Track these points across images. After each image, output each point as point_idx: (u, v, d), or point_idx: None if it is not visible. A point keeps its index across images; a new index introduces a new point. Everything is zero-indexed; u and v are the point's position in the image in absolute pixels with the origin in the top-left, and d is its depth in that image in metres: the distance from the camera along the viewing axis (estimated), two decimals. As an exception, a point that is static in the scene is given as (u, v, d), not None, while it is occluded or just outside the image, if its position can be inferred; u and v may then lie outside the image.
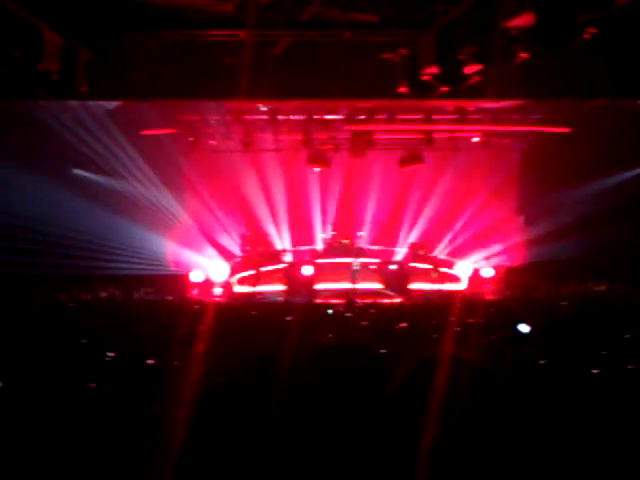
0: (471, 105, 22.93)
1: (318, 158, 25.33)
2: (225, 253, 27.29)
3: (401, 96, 15.06)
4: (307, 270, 25.63)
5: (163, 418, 4.67)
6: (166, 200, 26.02)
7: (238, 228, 27.81)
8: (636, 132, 22.57)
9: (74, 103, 20.59)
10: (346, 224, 27.78)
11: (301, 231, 28.21)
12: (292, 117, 23.79)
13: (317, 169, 26.16)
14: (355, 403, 4.48)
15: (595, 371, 5.98)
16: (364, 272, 25.41)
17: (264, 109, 23.13)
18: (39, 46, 12.39)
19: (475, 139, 26.12)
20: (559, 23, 8.88)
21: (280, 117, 23.57)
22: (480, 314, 12.95)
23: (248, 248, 27.02)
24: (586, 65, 14.82)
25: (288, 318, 13.17)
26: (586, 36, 9.38)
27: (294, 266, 26.19)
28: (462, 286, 25.73)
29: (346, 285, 24.90)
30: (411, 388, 4.77)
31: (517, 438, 3.45)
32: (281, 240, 27.96)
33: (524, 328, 9.16)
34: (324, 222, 28.18)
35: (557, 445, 3.49)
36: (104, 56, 14.49)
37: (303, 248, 27.68)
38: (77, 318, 14.42)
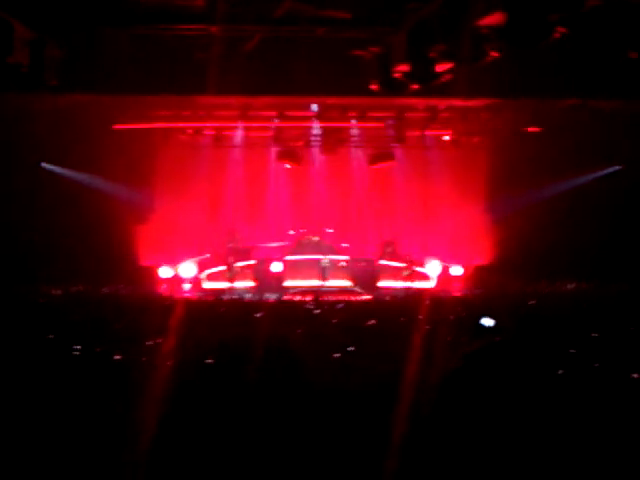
0: (442, 103, 23.00)
1: (289, 154, 25.33)
2: (195, 249, 27.17)
3: (372, 93, 15.09)
4: (276, 267, 25.59)
5: (130, 414, 4.65)
6: (136, 195, 25.87)
7: (208, 224, 27.69)
8: (605, 132, 22.72)
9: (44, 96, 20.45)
10: (316, 221, 27.73)
11: (271, 227, 28.14)
12: (263, 113, 23.76)
13: (288, 166, 26.15)
14: (324, 398, 4.48)
15: (561, 371, 6.02)
16: (334, 269, 25.41)
17: (235, 105, 23.09)
18: (9, 39, 12.30)
19: (445, 137, 26.17)
20: (529, 22, 8.93)
21: (251, 113, 23.52)
22: (449, 312, 12.99)
23: (218, 244, 26.92)
24: (556, 65, 14.92)
25: (257, 315, 13.15)
26: (556, 36, 9.43)
27: (263, 263, 26.13)
28: (431, 284, 25.77)
29: (315, 282, 24.89)
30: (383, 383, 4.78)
31: (483, 436, 3.47)
32: (251, 236, 27.87)
33: (488, 322, 9.11)
34: (294, 219, 28.11)
35: (521, 444, 3.51)
36: (74, 50, 14.41)
37: (273, 244, 27.61)
38: (46, 313, 14.32)
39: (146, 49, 15.37)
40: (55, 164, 24.29)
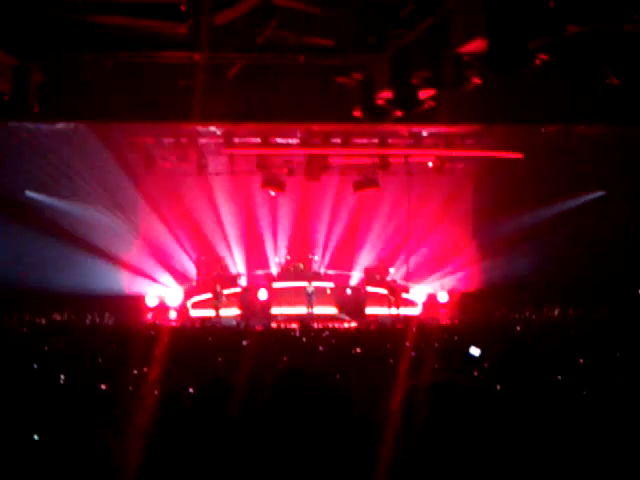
0: (425, 129, 23.07)
1: (273, 181, 25.34)
2: (180, 277, 27.14)
3: (356, 120, 15.11)
4: (262, 294, 25.57)
5: (116, 444, 4.61)
6: (120, 223, 25.83)
7: (193, 251, 27.68)
8: (588, 157, 22.83)
9: (27, 124, 20.39)
10: (301, 248, 27.76)
11: (256, 255, 28.15)
12: (247, 140, 23.75)
13: (272, 192, 26.18)
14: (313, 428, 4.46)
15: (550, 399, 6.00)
16: (320, 296, 25.40)
17: (218, 132, 23.07)
18: (-10, 67, 12.31)
19: (429, 163, 26.23)
20: (511, 49, 8.96)
21: (235, 140, 23.51)
22: (435, 339, 12.98)
23: (203, 272, 26.90)
24: (538, 91, 14.97)
25: (244, 343, 13.12)
26: (537, 62, 9.47)
27: (249, 290, 26.11)
28: (417, 311, 25.79)
29: (302, 309, 24.88)
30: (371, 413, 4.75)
31: (475, 464, 3.45)
32: (236, 264, 27.86)
33: (475, 351, 9.20)
34: (279, 246, 28.15)
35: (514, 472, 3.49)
36: (57, 77, 14.37)
37: (258, 272, 27.63)
38: (30, 342, 14.26)
39: (130, 76, 15.34)
40: (39, 192, 24.24)
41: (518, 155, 23.69)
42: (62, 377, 8.54)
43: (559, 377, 7.76)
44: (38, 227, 23.01)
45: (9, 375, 8.65)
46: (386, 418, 3.67)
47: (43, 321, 20.44)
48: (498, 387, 6.63)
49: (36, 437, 5.16)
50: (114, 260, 25.18)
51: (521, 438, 3.56)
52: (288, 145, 24.20)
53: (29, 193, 24.12)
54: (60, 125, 21.11)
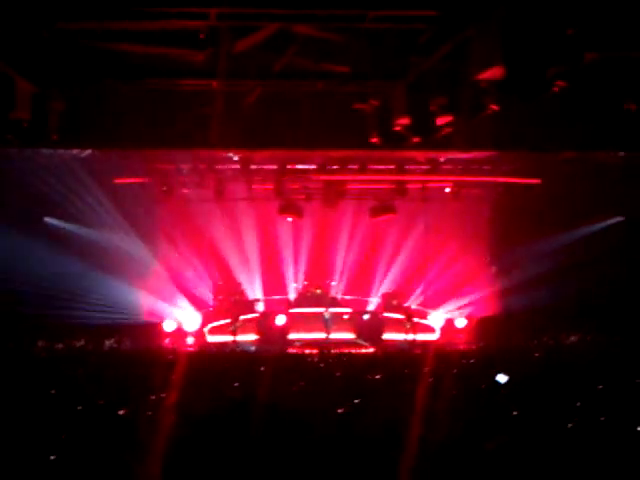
0: (442, 156, 23.06)
1: (290, 208, 25.34)
2: (198, 302, 27.16)
3: (373, 146, 15.15)
4: (280, 320, 25.55)
5: (134, 469, 4.63)
6: (138, 249, 25.87)
7: (211, 277, 27.71)
8: (605, 184, 22.77)
9: (46, 151, 20.48)
10: (318, 273, 27.76)
11: (274, 280, 28.15)
12: (264, 167, 23.80)
13: (289, 219, 26.19)
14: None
15: (569, 425, 5.97)
16: (337, 322, 25.36)
17: (236, 158, 23.11)
18: (11, 94, 12.39)
19: (446, 189, 26.20)
20: (528, 76, 8.98)
21: (252, 166, 23.56)
22: (453, 365, 12.96)
23: (221, 297, 26.92)
24: (556, 118, 14.98)
25: (261, 368, 13.11)
26: (555, 89, 9.49)
27: (267, 316, 26.11)
28: (435, 336, 25.71)
29: (319, 335, 24.84)
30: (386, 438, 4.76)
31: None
32: (254, 289, 27.87)
33: (502, 378, 9.22)
34: (296, 271, 28.15)
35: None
36: (76, 104, 14.47)
37: (276, 297, 27.62)
38: (48, 368, 14.28)
39: (147, 103, 15.43)
40: (58, 218, 24.36)
41: (536, 181, 23.67)
42: (80, 403, 8.56)
43: (578, 404, 7.74)
44: (56, 253, 23.09)
45: (27, 401, 8.67)
46: (404, 442, 3.67)
47: (61, 347, 20.48)
48: (515, 413, 6.63)
49: (52, 458, 5.18)
50: (132, 286, 25.23)
51: (539, 463, 3.57)
52: (305, 171, 24.26)
53: (47, 219, 24.25)
54: (78, 152, 21.23)
